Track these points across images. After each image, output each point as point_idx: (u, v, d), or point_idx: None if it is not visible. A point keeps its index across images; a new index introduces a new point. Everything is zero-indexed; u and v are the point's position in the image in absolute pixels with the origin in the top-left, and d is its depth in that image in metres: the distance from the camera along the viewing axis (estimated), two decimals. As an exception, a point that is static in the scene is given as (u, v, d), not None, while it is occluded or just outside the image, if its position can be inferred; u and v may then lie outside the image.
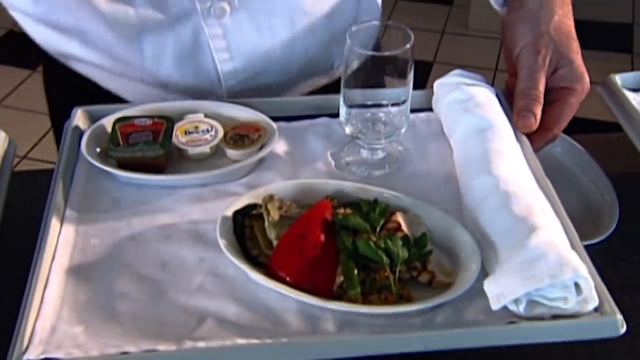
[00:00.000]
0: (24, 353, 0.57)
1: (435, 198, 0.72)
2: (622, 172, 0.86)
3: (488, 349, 0.61)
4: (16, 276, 0.65)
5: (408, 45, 0.70)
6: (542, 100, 0.76)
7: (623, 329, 0.60)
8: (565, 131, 0.81)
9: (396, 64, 0.71)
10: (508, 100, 0.81)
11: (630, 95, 0.87)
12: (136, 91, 0.88)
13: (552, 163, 0.88)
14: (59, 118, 0.86)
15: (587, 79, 0.79)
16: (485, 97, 0.78)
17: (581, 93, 0.78)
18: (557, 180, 0.85)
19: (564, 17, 0.80)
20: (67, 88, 0.92)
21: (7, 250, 0.73)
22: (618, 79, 0.89)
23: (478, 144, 0.73)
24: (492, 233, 0.65)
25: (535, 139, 0.78)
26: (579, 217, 0.71)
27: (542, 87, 0.77)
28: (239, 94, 0.88)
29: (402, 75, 0.72)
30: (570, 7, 0.82)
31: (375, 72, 0.72)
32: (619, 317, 0.60)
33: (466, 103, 0.77)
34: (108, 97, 0.89)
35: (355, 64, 0.71)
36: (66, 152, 0.76)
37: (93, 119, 0.81)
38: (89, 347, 0.59)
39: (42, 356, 0.57)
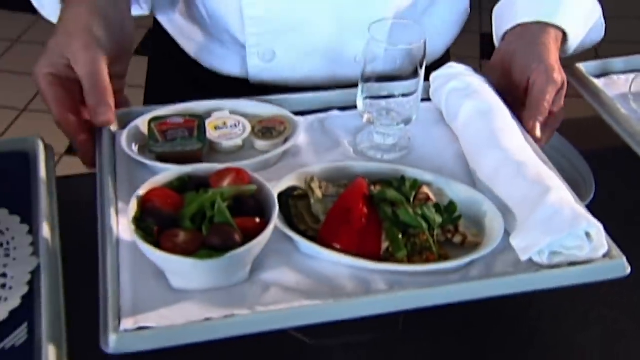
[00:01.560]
0: (119, 325, 0.63)
1: (446, 175, 0.81)
2: (597, 150, 0.96)
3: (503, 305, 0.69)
4: (86, 264, 0.70)
5: (422, 41, 0.79)
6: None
7: (628, 270, 0.70)
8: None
9: (411, 58, 0.80)
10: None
11: (595, 81, 0.99)
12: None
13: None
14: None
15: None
16: (480, 85, 0.88)
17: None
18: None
19: None
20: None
21: (71, 243, 0.76)
22: (582, 67, 1.01)
23: (483, 124, 0.82)
24: (510, 199, 0.74)
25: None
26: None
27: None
28: (255, 48, 0.98)
29: (414, 68, 0.81)
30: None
31: (390, 65, 0.80)
32: (625, 259, 0.70)
33: (465, 90, 0.87)
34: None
35: (374, 58, 0.80)
36: (106, 153, 0.82)
37: (122, 122, 0.86)
38: (173, 316, 0.65)
39: (137, 325, 0.63)
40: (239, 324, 0.65)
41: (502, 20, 0.97)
